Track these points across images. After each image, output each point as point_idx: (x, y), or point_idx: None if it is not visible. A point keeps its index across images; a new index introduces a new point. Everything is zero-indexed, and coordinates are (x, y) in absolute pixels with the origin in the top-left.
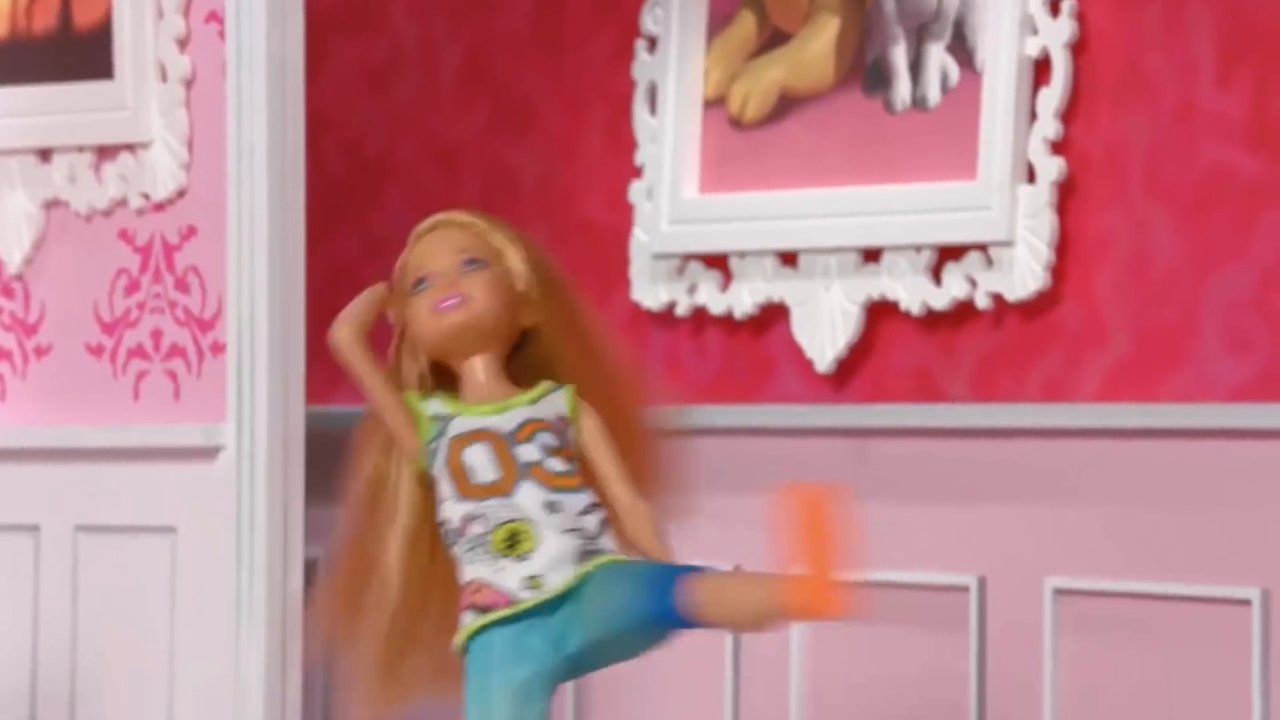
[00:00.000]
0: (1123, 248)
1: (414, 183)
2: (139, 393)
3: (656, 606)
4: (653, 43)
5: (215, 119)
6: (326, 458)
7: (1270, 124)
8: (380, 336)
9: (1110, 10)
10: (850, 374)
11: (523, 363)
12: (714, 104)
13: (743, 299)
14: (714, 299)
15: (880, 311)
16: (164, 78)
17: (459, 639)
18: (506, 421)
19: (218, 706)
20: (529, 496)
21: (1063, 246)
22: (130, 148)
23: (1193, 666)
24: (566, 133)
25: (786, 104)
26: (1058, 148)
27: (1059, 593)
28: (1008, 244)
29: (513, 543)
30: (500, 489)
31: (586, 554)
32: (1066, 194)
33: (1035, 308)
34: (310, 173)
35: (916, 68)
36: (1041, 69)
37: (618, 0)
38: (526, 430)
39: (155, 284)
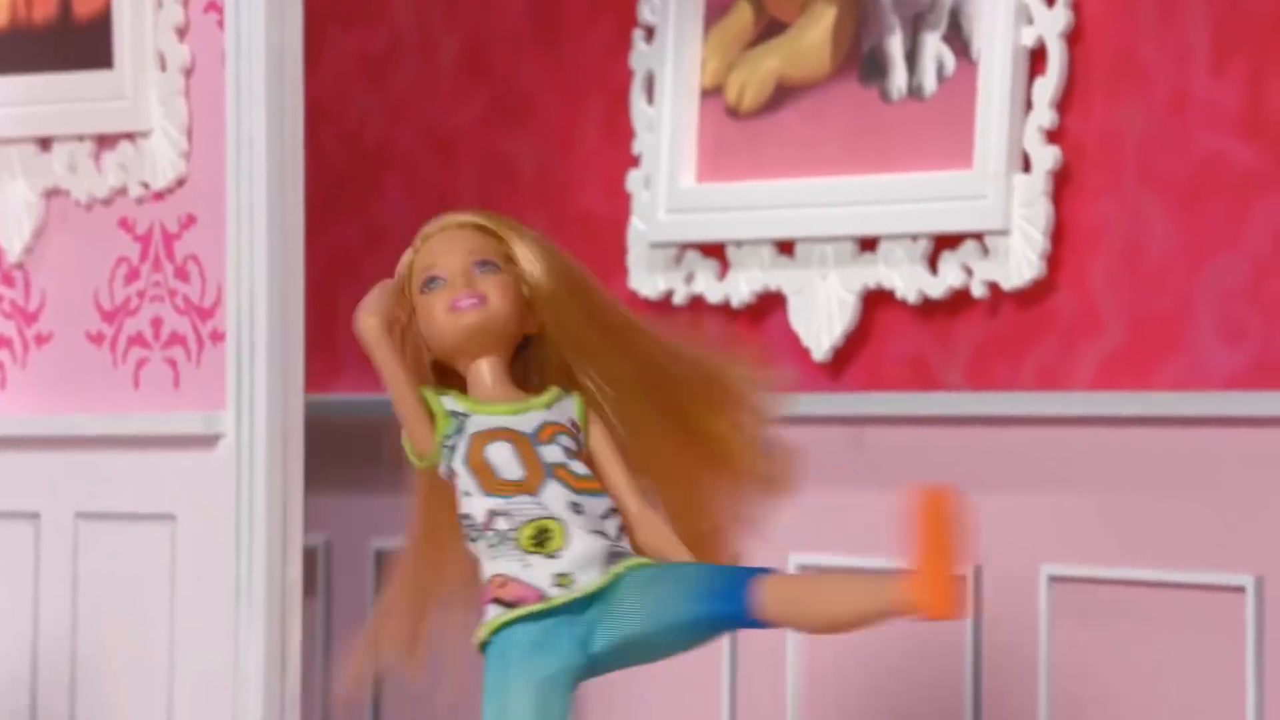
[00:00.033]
0: (1117, 236)
1: (412, 172)
2: (139, 381)
3: (724, 608)
4: (650, 32)
5: (214, 108)
6: (325, 446)
7: (1264, 113)
8: None
9: (1105, 0)
10: (847, 362)
11: (524, 367)
12: (711, 93)
13: (740, 288)
14: (711, 288)
15: (876, 300)
16: (163, 67)
17: (481, 633)
18: (526, 423)
19: (217, 693)
20: (555, 496)
21: (1058, 235)
22: (130, 137)
23: (1187, 653)
24: (564, 122)
25: (783, 93)
26: (1053, 137)
27: (1054, 580)
28: (1003, 233)
29: (541, 540)
30: (526, 487)
31: (613, 555)
32: (1062, 183)
33: (1030, 296)
34: (309, 162)
35: (912, 57)
36: (1037, 58)
37: None
38: (547, 432)
39: (155, 272)
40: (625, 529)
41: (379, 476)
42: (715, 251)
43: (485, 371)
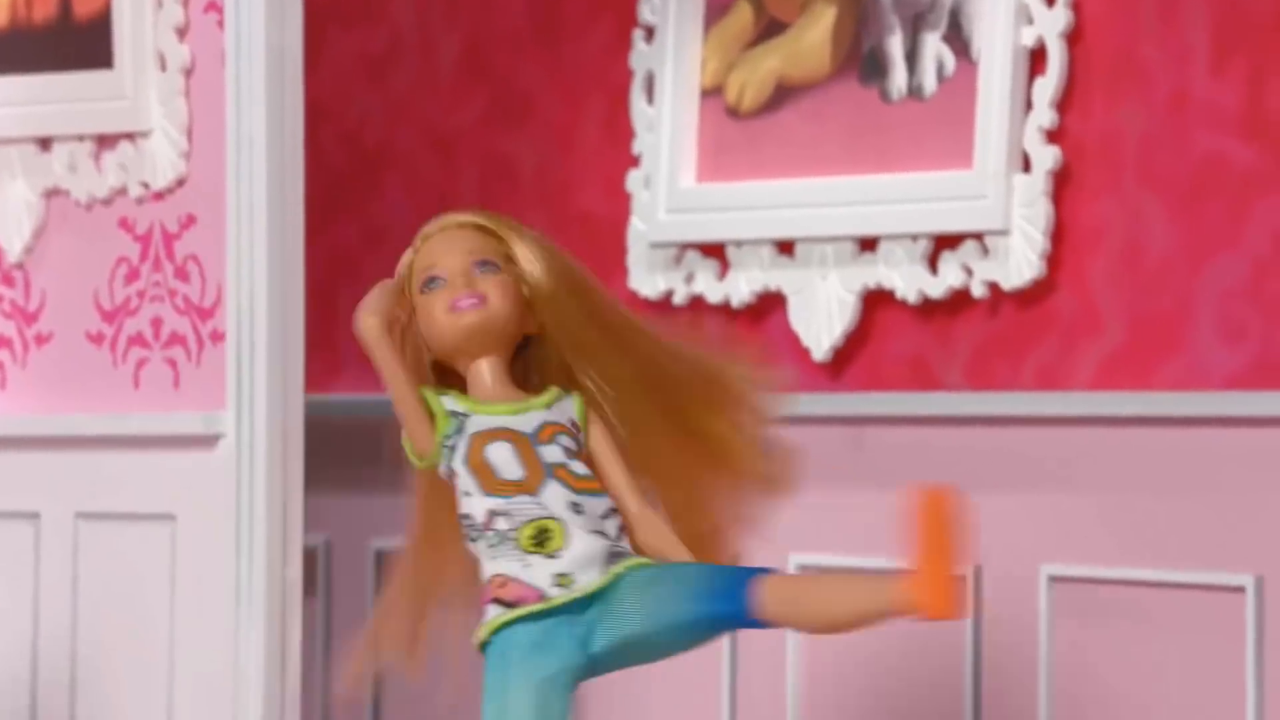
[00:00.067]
0: (1117, 236)
1: (412, 172)
2: (139, 381)
3: (724, 608)
4: (650, 32)
5: (214, 108)
6: (325, 446)
7: (1264, 113)
8: None
9: (1105, 0)
10: (846, 362)
11: (523, 367)
12: (711, 93)
13: (740, 288)
14: (711, 288)
15: (876, 300)
16: (163, 67)
17: (481, 633)
18: (526, 422)
19: (217, 693)
20: (555, 496)
21: (1058, 235)
22: (130, 137)
23: (1187, 653)
24: (564, 122)
25: (783, 93)
26: (1053, 137)
27: (1054, 580)
28: (1003, 233)
29: (541, 540)
30: (526, 487)
31: (613, 556)
32: (1061, 183)
33: (1030, 296)
34: (309, 162)
35: (912, 57)
36: (1037, 58)
37: None
38: (547, 432)
39: (155, 272)
40: (625, 529)
41: (379, 476)
42: (715, 251)
43: (485, 371)
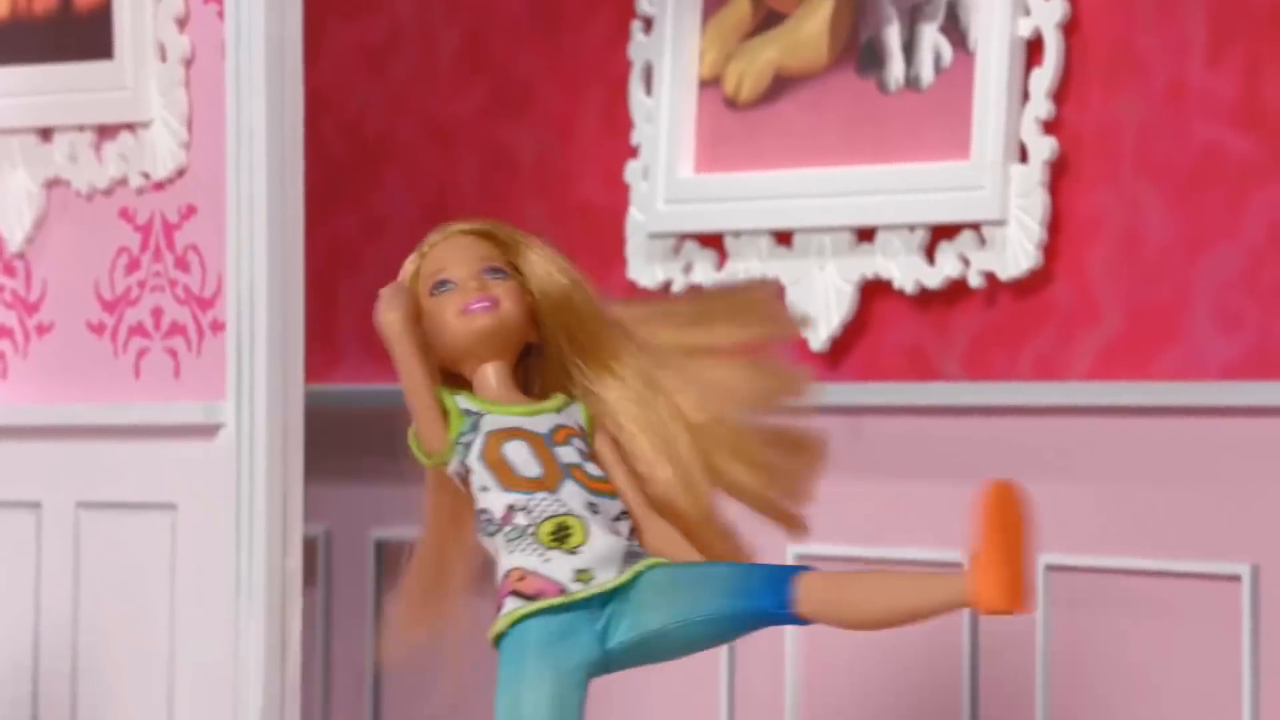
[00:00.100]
0: (1114, 227)
1: (412, 162)
2: (139, 370)
3: (764, 604)
4: (649, 23)
5: (214, 99)
6: (325, 436)
7: (1261, 103)
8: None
9: None
10: (844, 352)
11: (524, 375)
12: (709, 84)
13: (738, 278)
14: (709, 278)
15: (874, 290)
16: (163, 58)
17: (500, 625)
18: (540, 424)
19: (217, 682)
20: (573, 494)
21: (1055, 226)
22: (130, 127)
23: (1184, 642)
24: (563, 112)
25: (781, 84)
26: (1050, 127)
27: (1051, 569)
28: (1000, 223)
29: (561, 536)
30: (546, 484)
31: (631, 555)
32: (1059, 173)
33: (1027, 286)
34: (309, 152)
35: (910, 48)
36: (1034, 49)
37: None
38: (562, 434)
39: (155, 263)
40: (635, 532)
41: (379, 466)
42: (713, 242)
43: (491, 376)
